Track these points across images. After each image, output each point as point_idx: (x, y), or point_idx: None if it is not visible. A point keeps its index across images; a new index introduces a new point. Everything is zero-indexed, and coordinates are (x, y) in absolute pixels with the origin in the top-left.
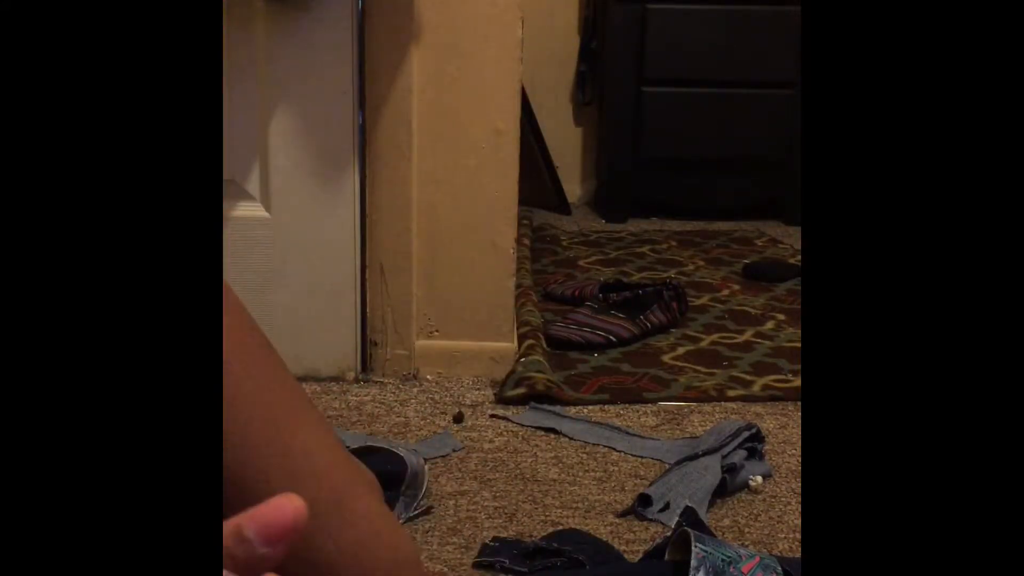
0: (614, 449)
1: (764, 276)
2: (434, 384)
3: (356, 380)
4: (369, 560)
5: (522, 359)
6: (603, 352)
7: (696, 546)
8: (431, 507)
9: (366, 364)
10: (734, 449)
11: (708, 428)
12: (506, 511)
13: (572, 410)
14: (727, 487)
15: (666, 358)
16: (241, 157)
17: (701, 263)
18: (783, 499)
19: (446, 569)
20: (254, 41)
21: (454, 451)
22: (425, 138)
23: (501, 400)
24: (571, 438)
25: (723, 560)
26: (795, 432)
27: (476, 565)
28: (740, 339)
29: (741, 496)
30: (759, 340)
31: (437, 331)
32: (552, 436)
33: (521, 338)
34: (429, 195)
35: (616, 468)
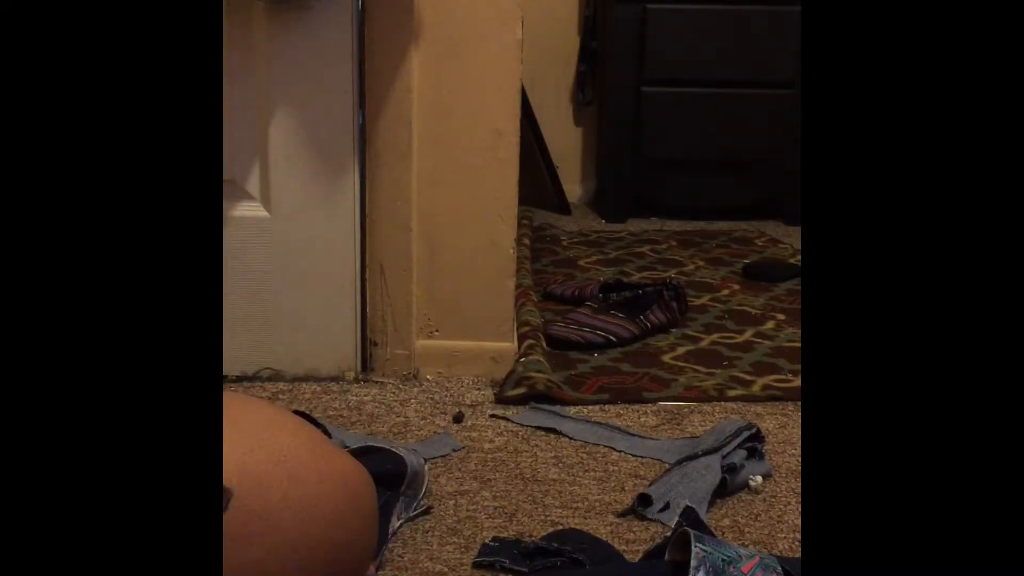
0: (614, 449)
1: (764, 276)
2: (434, 384)
3: (356, 380)
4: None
5: (522, 359)
6: (603, 352)
7: (696, 546)
8: (431, 507)
9: (366, 364)
10: (734, 449)
11: (708, 428)
12: (506, 511)
13: (572, 410)
14: (727, 487)
15: (666, 358)
16: (241, 157)
17: (701, 263)
18: (783, 499)
19: (445, 569)
20: (254, 41)
21: (454, 451)
22: (425, 138)
23: (501, 400)
24: (571, 438)
25: (723, 560)
26: (795, 432)
27: (476, 565)
28: (740, 339)
29: (741, 496)
30: (759, 340)
31: (437, 331)
32: (552, 436)
33: (521, 338)
34: (429, 195)
35: (616, 468)
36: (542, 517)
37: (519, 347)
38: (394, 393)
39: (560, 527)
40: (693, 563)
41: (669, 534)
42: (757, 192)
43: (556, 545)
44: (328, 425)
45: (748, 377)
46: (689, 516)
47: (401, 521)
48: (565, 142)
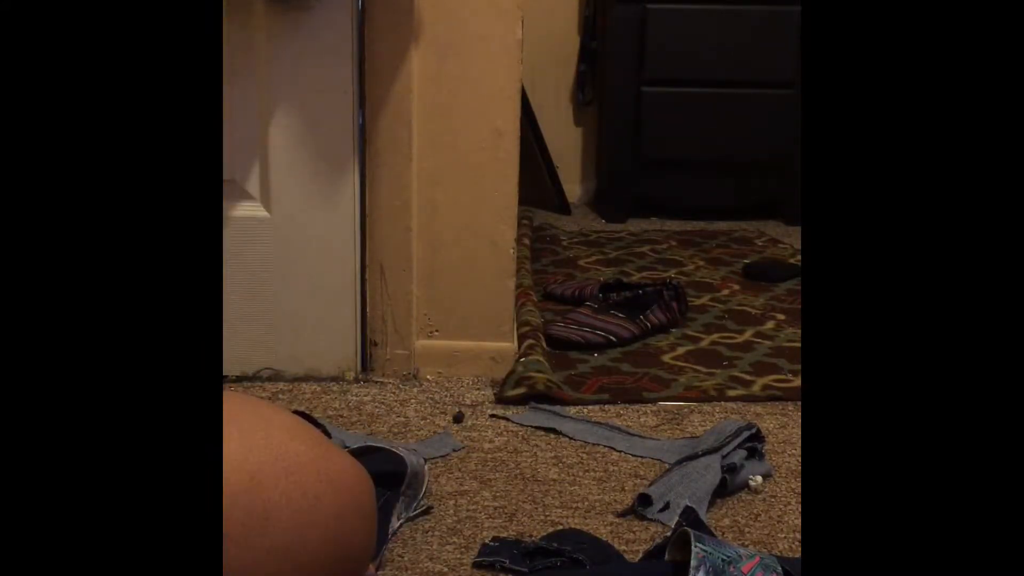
0: (614, 449)
1: (764, 276)
2: (434, 384)
3: (356, 380)
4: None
5: (522, 359)
6: (603, 352)
7: (696, 546)
8: (431, 507)
9: (366, 364)
10: (734, 449)
11: (708, 428)
12: (506, 511)
13: (572, 410)
14: (727, 487)
15: (666, 358)
16: (241, 157)
17: (701, 263)
18: (783, 499)
19: (445, 569)
20: (254, 41)
21: (454, 451)
22: (425, 138)
23: (501, 400)
24: (571, 438)
25: (723, 560)
26: (795, 432)
27: (476, 565)
28: (740, 339)
29: (741, 496)
30: (759, 340)
31: (437, 331)
32: (552, 436)
33: (521, 338)
34: (429, 195)
35: (616, 468)
36: (542, 517)
37: (519, 347)
38: (394, 393)
39: (560, 527)
40: (693, 563)
41: (669, 534)
42: (757, 192)
43: (556, 545)
44: (328, 425)
45: (748, 377)
46: (689, 516)
47: (401, 521)
48: (565, 142)
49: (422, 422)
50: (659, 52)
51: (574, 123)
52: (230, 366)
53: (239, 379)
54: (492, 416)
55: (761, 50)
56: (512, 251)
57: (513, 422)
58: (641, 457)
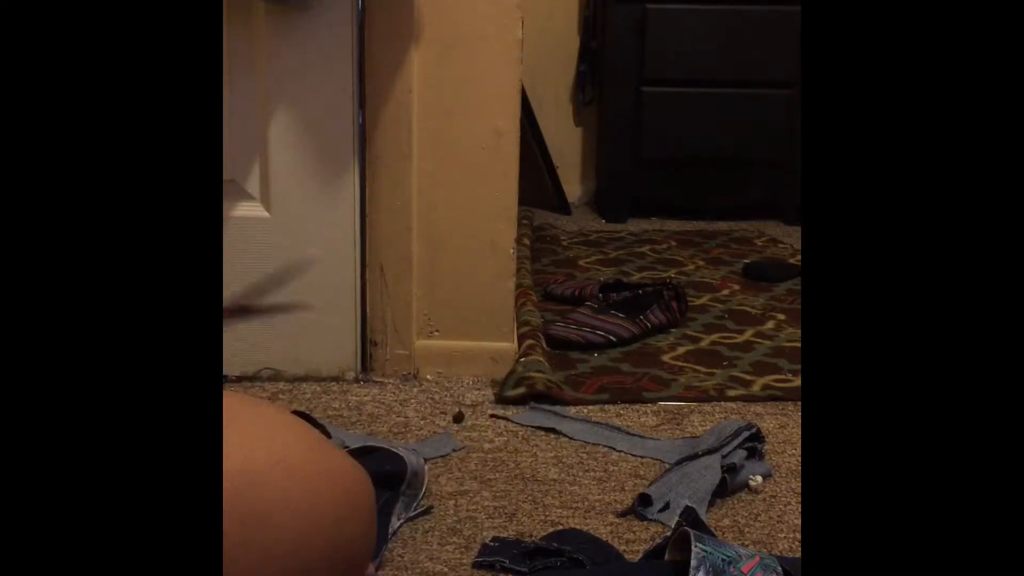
0: (614, 449)
1: (764, 276)
2: (434, 384)
3: (356, 380)
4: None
5: (522, 359)
6: (603, 352)
7: (696, 546)
8: (431, 507)
9: (366, 364)
10: (734, 449)
11: (708, 428)
12: (506, 511)
13: (572, 410)
14: (727, 487)
15: (666, 358)
16: (241, 157)
17: (701, 263)
18: (783, 499)
19: (445, 569)
20: (254, 41)
21: (454, 451)
22: (425, 138)
23: (501, 400)
24: (571, 438)
25: (723, 560)
26: (795, 432)
27: (476, 565)
28: (740, 339)
29: (741, 496)
30: (759, 340)
31: (437, 331)
32: (552, 436)
33: (521, 338)
34: (429, 195)
35: (616, 468)
36: (542, 517)
37: (519, 347)
38: (394, 393)
39: (560, 527)
40: (693, 563)
41: (669, 534)
42: (757, 192)
43: (556, 545)
44: (328, 425)
45: (748, 377)
46: (689, 516)
47: (401, 521)
48: (565, 142)
49: (422, 422)
50: (659, 52)
51: (574, 123)
52: (230, 366)
53: (239, 379)
54: (492, 416)
55: (761, 50)
56: (512, 251)
57: (513, 422)
58: (641, 457)
